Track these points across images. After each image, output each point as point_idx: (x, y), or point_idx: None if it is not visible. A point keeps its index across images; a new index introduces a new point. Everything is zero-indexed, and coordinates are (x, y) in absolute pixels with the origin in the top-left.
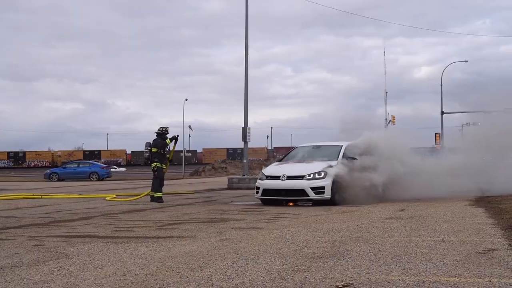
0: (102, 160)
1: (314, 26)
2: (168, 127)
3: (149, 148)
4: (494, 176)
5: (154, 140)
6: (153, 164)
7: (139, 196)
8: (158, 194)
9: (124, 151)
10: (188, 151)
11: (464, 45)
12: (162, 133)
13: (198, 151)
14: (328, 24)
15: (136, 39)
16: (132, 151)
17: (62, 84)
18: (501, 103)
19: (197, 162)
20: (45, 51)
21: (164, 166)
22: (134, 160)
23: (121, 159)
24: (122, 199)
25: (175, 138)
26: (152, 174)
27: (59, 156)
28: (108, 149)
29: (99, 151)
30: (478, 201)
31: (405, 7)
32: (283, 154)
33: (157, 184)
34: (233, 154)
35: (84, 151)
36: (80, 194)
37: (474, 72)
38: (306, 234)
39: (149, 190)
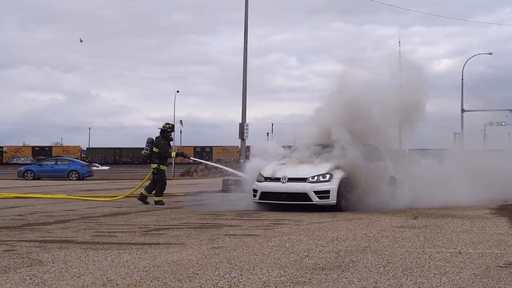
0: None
1: (322, 12)
2: (173, 125)
3: (151, 146)
4: None
5: (157, 139)
6: (153, 166)
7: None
8: (159, 198)
9: (78, 148)
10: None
11: (489, 36)
12: (164, 130)
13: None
14: (338, 10)
15: (124, 24)
16: (87, 148)
17: (41, 72)
18: None
19: None
20: (22, 36)
21: (164, 168)
22: (89, 158)
23: (74, 157)
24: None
25: (182, 155)
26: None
27: (5, 152)
28: (63, 145)
29: (50, 148)
30: (501, 209)
31: None
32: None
33: (159, 188)
34: (201, 153)
35: (34, 147)
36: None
37: (499, 66)
38: (308, 243)
39: (144, 190)
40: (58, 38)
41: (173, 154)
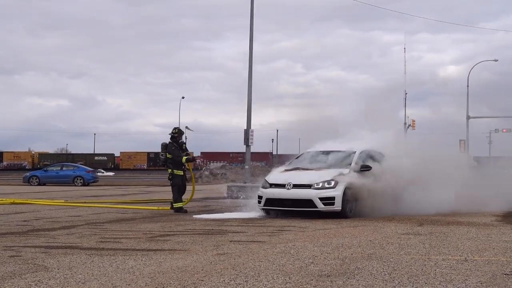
0: (4, 163)
1: (329, 19)
2: (180, 130)
3: (165, 151)
4: None
5: (169, 144)
6: (169, 171)
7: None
8: (178, 205)
9: (29, 153)
10: (103, 155)
11: (495, 43)
12: (173, 136)
13: (115, 154)
14: (344, 17)
15: (131, 30)
16: (39, 153)
17: (48, 78)
18: None
19: (113, 167)
20: (30, 41)
21: (180, 173)
22: (41, 163)
23: (25, 163)
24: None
25: (189, 160)
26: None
27: None
28: (14, 150)
29: (1, 153)
30: (507, 216)
31: None
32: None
33: (176, 193)
34: (155, 159)
35: None
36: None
37: (505, 73)
38: (313, 250)
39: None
40: (65, 43)
41: (184, 159)
